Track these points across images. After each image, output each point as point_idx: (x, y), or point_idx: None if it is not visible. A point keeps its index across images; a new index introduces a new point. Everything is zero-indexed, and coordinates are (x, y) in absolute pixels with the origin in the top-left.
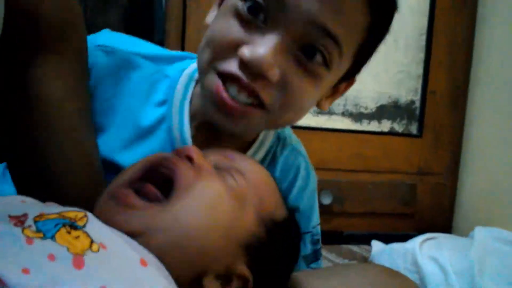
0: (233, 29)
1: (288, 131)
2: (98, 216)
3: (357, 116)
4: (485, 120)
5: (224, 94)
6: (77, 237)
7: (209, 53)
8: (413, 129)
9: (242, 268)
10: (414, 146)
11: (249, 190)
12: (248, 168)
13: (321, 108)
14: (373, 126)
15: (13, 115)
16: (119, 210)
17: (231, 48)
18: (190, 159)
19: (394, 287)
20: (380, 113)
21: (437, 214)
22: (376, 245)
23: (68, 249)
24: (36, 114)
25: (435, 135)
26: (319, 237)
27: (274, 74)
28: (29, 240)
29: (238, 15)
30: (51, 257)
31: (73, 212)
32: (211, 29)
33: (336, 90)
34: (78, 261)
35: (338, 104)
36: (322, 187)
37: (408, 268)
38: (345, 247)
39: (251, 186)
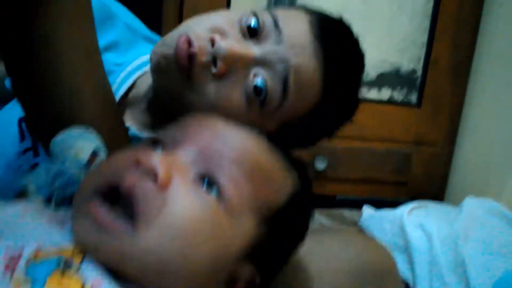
0: (226, 18)
1: None
2: (76, 233)
3: None
4: (486, 92)
5: (184, 45)
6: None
7: (193, 24)
8: (413, 98)
9: (245, 270)
10: (412, 115)
11: (245, 193)
12: (243, 152)
13: None
14: (373, 94)
15: (26, 53)
16: (94, 232)
17: (211, 27)
18: (154, 175)
19: (365, 249)
20: (380, 81)
21: (431, 183)
22: (367, 210)
23: None
24: (49, 52)
25: (434, 105)
26: None
27: (221, 67)
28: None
29: (239, 20)
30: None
31: (71, 248)
32: (211, 15)
33: None
34: None
35: None
36: (317, 152)
37: (395, 233)
38: (337, 211)
39: (248, 182)
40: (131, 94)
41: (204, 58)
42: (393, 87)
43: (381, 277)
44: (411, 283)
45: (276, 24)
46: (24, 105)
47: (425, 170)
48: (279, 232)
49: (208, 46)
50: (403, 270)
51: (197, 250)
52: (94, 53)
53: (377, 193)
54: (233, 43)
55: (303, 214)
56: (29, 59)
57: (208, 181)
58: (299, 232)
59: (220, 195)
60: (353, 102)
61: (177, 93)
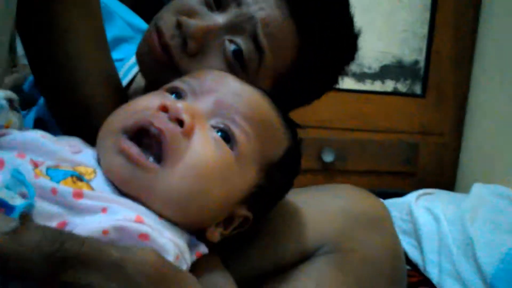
0: (192, 1)
1: None
2: (108, 168)
3: (361, 76)
4: (489, 81)
5: (155, 39)
6: (80, 186)
7: (163, 11)
8: (417, 89)
9: (242, 211)
10: (417, 106)
11: (254, 146)
12: (252, 109)
13: None
14: (377, 86)
15: (42, 45)
16: (126, 167)
17: (178, 11)
18: (180, 122)
19: (357, 198)
20: (384, 73)
21: (439, 173)
22: None
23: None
24: (63, 44)
25: (439, 95)
26: None
27: (193, 46)
28: (37, 176)
29: None
30: (53, 191)
31: (84, 168)
32: None
33: None
34: (77, 193)
35: None
36: (324, 145)
37: (403, 218)
38: None
39: (256, 135)
40: (131, 88)
41: (176, 43)
42: (396, 78)
43: (374, 221)
44: (421, 266)
45: None
46: (44, 93)
47: (434, 160)
48: (272, 181)
49: (176, 30)
50: (413, 254)
51: (212, 189)
52: (104, 42)
53: (386, 184)
54: (197, 20)
55: (293, 167)
56: (47, 48)
57: (225, 132)
58: (288, 182)
59: (233, 145)
60: (339, 46)
61: (168, 81)
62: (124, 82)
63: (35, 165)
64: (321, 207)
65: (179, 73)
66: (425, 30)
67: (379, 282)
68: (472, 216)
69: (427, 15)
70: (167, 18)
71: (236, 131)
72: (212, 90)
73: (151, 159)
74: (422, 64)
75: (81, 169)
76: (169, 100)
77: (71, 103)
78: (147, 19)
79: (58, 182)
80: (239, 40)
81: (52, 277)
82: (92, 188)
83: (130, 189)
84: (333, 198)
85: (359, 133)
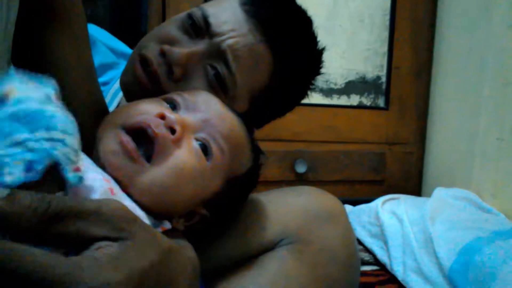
0: (173, 27)
1: None
2: (103, 152)
3: (328, 92)
4: (447, 92)
5: (139, 68)
6: None
7: (145, 41)
8: (380, 102)
9: (202, 210)
10: (381, 118)
11: (225, 161)
12: (231, 131)
13: None
14: (343, 100)
15: (35, 67)
16: (121, 156)
17: (161, 40)
18: (172, 130)
19: (316, 197)
20: (349, 88)
21: (406, 179)
22: (348, 208)
23: None
24: (53, 73)
25: (401, 107)
26: None
27: (178, 71)
28: None
29: (183, 22)
30: None
31: None
32: (161, 25)
33: None
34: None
35: None
36: (297, 157)
37: (370, 221)
38: None
39: (229, 153)
40: None
41: (162, 70)
42: (361, 93)
43: (330, 216)
44: (388, 265)
45: (205, 18)
46: None
47: (400, 168)
48: (232, 192)
49: (160, 58)
50: (381, 255)
51: (185, 188)
52: (93, 73)
53: (356, 192)
54: (179, 48)
55: (251, 183)
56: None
57: (205, 145)
58: (244, 194)
59: (210, 157)
60: (308, 63)
61: None
62: (114, 104)
63: None
64: (285, 205)
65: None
66: (385, 48)
67: (335, 268)
68: (432, 216)
69: (386, 34)
70: (150, 47)
71: (214, 147)
72: (202, 109)
73: (142, 154)
74: (384, 79)
75: None
76: (167, 109)
77: None
78: (124, 23)
79: None
80: (217, 64)
81: (45, 231)
82: None
83: (118, 174)
84: (295, 197)
85: (329, 145)
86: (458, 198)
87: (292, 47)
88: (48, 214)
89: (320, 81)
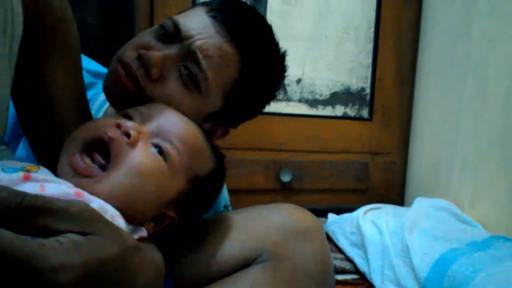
0: (147, 36)
1: None
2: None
3: (313, 102)
4: (429, 104)
5: (121, 72)
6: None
7: (122, 50)
8: (364, 113)
9: (170, 212)
10: (365, 128)
11: (183, 160)
12: (185, 134)
13: None
14: (328, 111)
15: (30, 97)
16: (72, 176)
17: (137, 47)
18: (128, 135)
19: (293, 213)
20: (334, 99)
21: (389, 189)
22: (331, 217)
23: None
24: (48, 96)
25: (384, 118)
26: None
27: (155, 72)
28: None
29: (156, 31)
30: (9, 175)
31: (32, 166)
32: (136, 37)
33: (214, 131)
34: (27, 176)
35: (295, 91)
36: (282, 166)
37: (352, 231)
38: None
39: (186, 153)
40: None
41: (141, 72)
42: (346, 104)
43: (306, 233)
44: (367, 275)
45: (176, 25)
46: (26, 133)
47: (383, 177)
48: (197, 192)
49: (138, 62)
50: (361, 264)
51: (146, 186)
52: (84, 94)
53: (341, 201)
54: (154, 52)
55: (216, 185)
56: (34, 100)
57: (160, 148)
58: (211, 196)
59: (166, 158)
60: (272, 63)
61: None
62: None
63: None
64: (262, 222)
65: (144, 98)
66: (369, 60)
67: (309, 284)
68: (410, 226)
69: (371, 46)
70: (129, 54)
71: (169, 148)
72: (156, 118)
73: (96, 167)
74: (368, 90)
75: (28, 167)
76: (123, 120)
77: (49, 136)
78: (113, 30)
79: (15, 171)
80: (189, 65)
81: (18, 221)
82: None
83: (79, 188)
84: (273, 214)
85: (313, 154)
86: (437, 208)
87: (255, 44)
88: (21, 207)
89: (305, 92)
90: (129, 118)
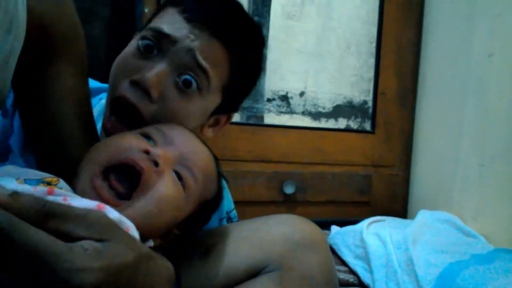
0: (132, 60)
1: None
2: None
3: (316, 115)
4: (431, 117)
5: (108, 125)
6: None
7: (111, 80)
8: (367, 126)
9: (174, 230)
10: (368, 141)
11: (199, 188)
12: (203, 164)
13: (205, 135)
14: (331, 123)
15: (35, 105)
16: (96, 198)
17: (127, 74)
18: (156, 163)
19: (298, 225)
20: (337, 112)
21: (392, 202)
22: (335, 229)
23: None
24: (52, 104)
25: (386, 131)
26: (237, 219)
27: (155, 93)
28: (19, 181)
29: (138, 49)
30: (34, 188)
31: (51, 178)
32: (118, 58)
33: (218, 122)
34: (50, 190)
35: (298, 104)
36: (285, 178)
37: (356, 244)
38: None
39: (202, 182)
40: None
41: (140, 98)
42: (348, 117)
43: (311, 244)
44: (371, 287)
45: (160, 31)
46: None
47: (386, 190)
48: (201, 214)
49: (133, 89)
50: (365, 276)
51: (166, 214)
52: (87, 104)
53: (344, 213)
54: (146, 73)
55: (216, 205)
56: (39, 108)
57: (181, 176)
58: (207, 216)
59: (185, 185)
60: (256, 55)
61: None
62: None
63: (17, 179)
64: (268, 233)
65: (144, 122)
66: (371, 74)
67: None
68: (414, 239)
69: (372, 60)
70: (121, 85)
71: (189, 177)
72: (178, 143)
73: (114, 193)
74: (370, 104)
75: (47, 179)
76: (148, 145)
77: (50, 143)
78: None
79: (36, 184)
80: (185, 72)
81: (40, 226)
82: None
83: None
84: (278, 225)
85: (317, 166)
86: (440, 221)
87: (241, 42)
88: (42, 212)
89: (309, 104)
90: (148, 137)
